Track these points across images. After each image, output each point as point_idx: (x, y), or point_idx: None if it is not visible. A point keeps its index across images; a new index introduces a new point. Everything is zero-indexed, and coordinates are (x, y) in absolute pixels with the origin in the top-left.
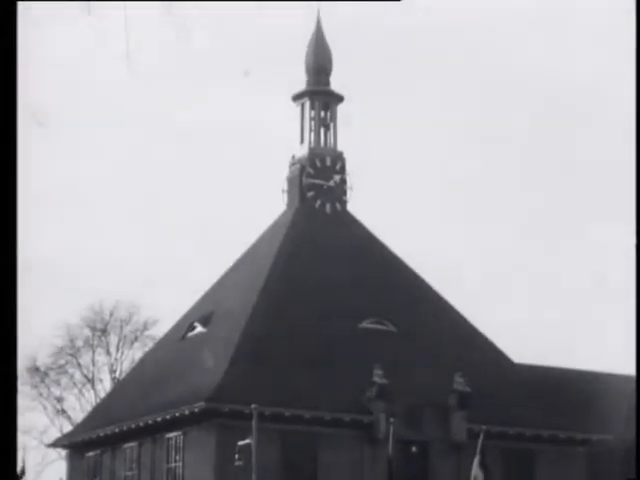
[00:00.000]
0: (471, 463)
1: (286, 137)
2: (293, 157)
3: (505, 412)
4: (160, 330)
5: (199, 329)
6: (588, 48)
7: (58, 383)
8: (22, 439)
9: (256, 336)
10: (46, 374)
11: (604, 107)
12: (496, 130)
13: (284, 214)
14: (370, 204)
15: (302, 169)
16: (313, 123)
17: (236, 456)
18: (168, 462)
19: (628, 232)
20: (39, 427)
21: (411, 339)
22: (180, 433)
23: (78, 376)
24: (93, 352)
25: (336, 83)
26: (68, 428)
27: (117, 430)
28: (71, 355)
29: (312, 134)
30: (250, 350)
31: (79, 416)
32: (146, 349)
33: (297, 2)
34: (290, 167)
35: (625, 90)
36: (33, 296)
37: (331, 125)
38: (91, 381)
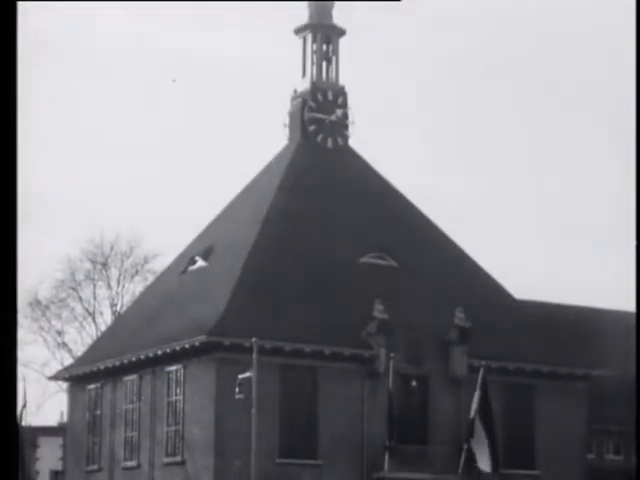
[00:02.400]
0: (471, 398)
1: (288, 71)
2: (295, 91)
3: (505, 347)
4: (161, 264)
5: (200, 263)
6: None
7: (59, 316)
8: (23, 372)
9: (257, 270)
10: (47, 307)
11: (607, 46)
12: (497, 65)
13: (286, 148)
14: (371, 139)
15: (304, 103)
16: (315, 57)
17: (236, 389)
18: (169, 395)
19: (628, 258)
20: (40, 360)
21: (412, 274)
22: (181, 366)
23: (79, 309)
24: (94, 286)
25: (338, 17)
26: (69, 361)
27: (118, 363)
28: (72, 288)
29: (314, 68)
30: (251, 284)
31: (80, 349)
32: (147, 283)
33: None
34: (292, 101)
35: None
36: (34, 229)
37: (333, 59)
38: (92, 314)
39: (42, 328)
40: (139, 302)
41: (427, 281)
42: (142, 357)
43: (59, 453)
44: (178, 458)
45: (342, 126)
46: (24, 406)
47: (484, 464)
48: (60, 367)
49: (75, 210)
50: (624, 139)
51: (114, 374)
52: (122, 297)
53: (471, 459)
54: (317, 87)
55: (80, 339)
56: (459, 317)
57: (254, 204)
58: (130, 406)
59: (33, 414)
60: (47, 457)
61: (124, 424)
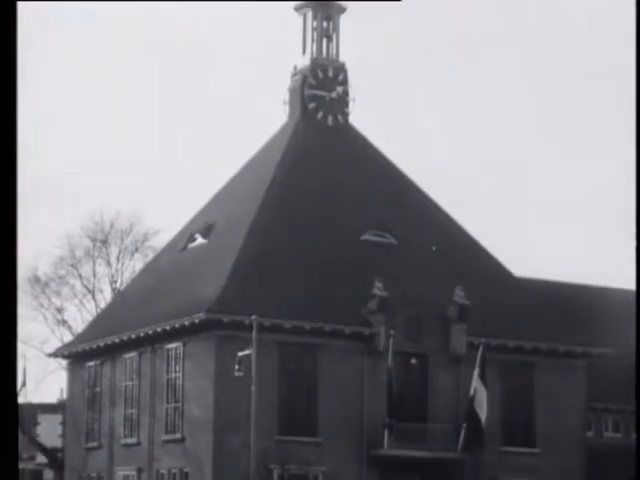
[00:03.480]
0: (470, 375)
1: (288, 48)
2: (295, 68)
3: (505, 325)
4: (161, 241)
5: (200, 240)
6: None
7: (59, 293)
8: (23, 349)
9: (257, 247)
10: (47, 284)
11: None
12: (498, 40)
13: (286, 125)
14: (372, 116)
15: (304, 80)
16: (315, 34)
17: (236, 367)
18: (168, 372)
19: (628, 236)
20: (40, 337)
21: (412, 252)
22: (180, 344)
23: (79, 287)
24: (94, 263)
25: None
26: (69, 338)
27: (117, 340)
28: (72, 266)
29: (314, 45)
30: (251, 261)
31: (79, 326)
32: (147, 260)
33: None
34: (292, 78)
35: None
36: (34, 206)
37: (333, 36)
38: (92, 292)
39: (42, 305)
40: (139, 279)
41: (427, 259)
42: (141, 334)
43: (59, 430)
44: (178, 435)
45: (342, 103)
46: (24, 384)
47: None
48: (60, 344)
49: (75, 187)
50: (628, 118)
51: (113, 351)
52: (122, 274)
53: (478, 436)
54: (317, 64)
55: (80, 316)
56: (459, 295)
57: (254, 181)
58: (129, 383)
59: (33, 391)
60: (47, 434)
61: (124, 401)
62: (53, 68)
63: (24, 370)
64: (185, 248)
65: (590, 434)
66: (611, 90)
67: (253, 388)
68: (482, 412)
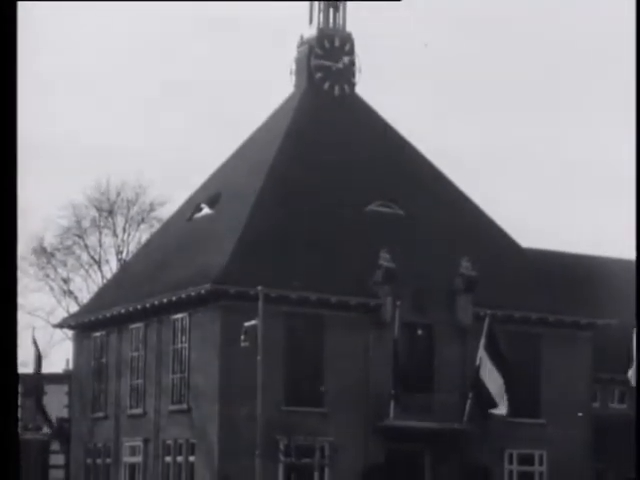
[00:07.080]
0: (477, 346)
1: (295, 17)
2: (301, 37)
3: (511, 296)
4: (167, 211)
5: (206, 210)
6: None
7: (65, 264)
8: (29, 319)
9: (263, 218)
10: (53, 255)
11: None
12: (497, 12)
13: (292, 96)
14: (378, 87)
15: (310, 50)
16: (322, 3)
17: (242, 337)
18: (174, 343)
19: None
20: (46, 308)
21: (418, 222)
22: (186, 314)
23: (85, 257)
24: (100, 233)
25: None
26: (75, 309)
27: (123, 311)
28: (78, 236)
29: (321, 14)
30: (257, 232)
31: (86, 297)
32: (153, 230)
33: None
34: (298, 48)
35: None
36: (41, 176)
37: (340, 5)
38: (98, 262)
39: (48, 276)
40: (145, 250)
41: (433, 230)
42: (148, 305)
43: (65, 400)
44: (184, 406)
45: (349, 73)
46: (39, 359)
47: (501, 408)
48: (66, 315)
49: (82, 156)
50: (628, 89)
51: (120, 322)
52: (128, 245)
53: (485, 406)
54: (324, 34)
55: (86, 287)
56: (465, 266)
57: (260, 152)
58: (136, 354)
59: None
60: (53, 404)
61: (130, 372)
62: (60, 28)
63: (36, 344)
64: (191, 218)
65: (595, 405)
66: (611, 64)
67: (259, 358)
68: (491, 382)
